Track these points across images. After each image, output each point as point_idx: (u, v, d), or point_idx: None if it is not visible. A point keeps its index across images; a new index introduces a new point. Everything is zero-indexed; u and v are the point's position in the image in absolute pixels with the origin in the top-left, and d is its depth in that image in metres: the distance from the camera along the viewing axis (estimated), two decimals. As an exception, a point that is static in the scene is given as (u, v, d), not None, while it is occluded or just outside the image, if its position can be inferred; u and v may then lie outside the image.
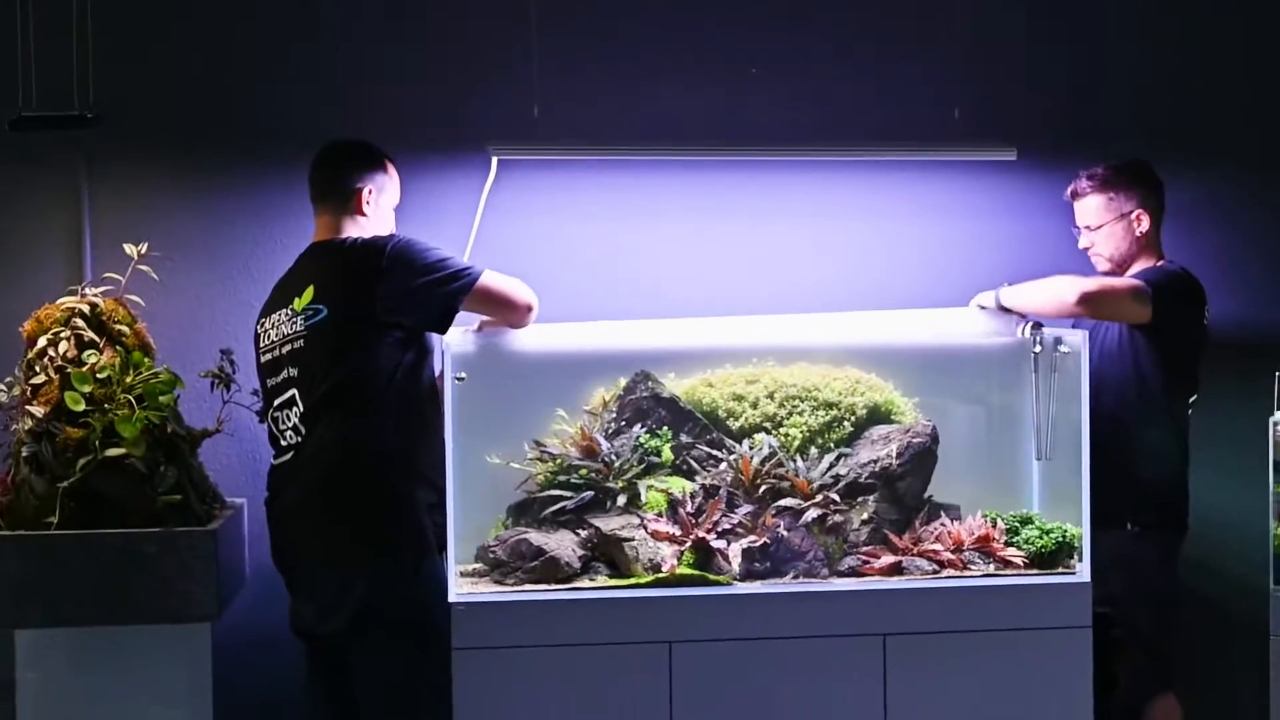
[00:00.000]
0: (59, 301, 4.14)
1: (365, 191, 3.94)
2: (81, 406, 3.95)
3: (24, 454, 3.97)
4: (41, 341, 4.06)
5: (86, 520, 3.92)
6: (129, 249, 4.18)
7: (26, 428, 3.98)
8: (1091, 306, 4.14)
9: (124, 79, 4.40)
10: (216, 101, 4.47)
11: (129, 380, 4.02)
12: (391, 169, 4.03)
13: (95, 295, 4.16)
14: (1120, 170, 4.35)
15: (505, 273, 4.40)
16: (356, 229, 3.93)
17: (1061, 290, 4.14)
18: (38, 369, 4.04)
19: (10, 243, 4.47)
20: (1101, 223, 4.36)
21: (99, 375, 4.00)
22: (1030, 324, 4.21)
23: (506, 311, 3.94)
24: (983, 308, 4.29)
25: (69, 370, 3.99)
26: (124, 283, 4.18)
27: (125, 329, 4.15)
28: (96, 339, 4.09)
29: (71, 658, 4.01)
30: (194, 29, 4.47)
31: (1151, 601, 4.27)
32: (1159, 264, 4.36)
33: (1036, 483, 4.32)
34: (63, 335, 4.07)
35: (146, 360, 4.09)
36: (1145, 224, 4.34)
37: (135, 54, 4.43)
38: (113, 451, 3.92)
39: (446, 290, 3.80)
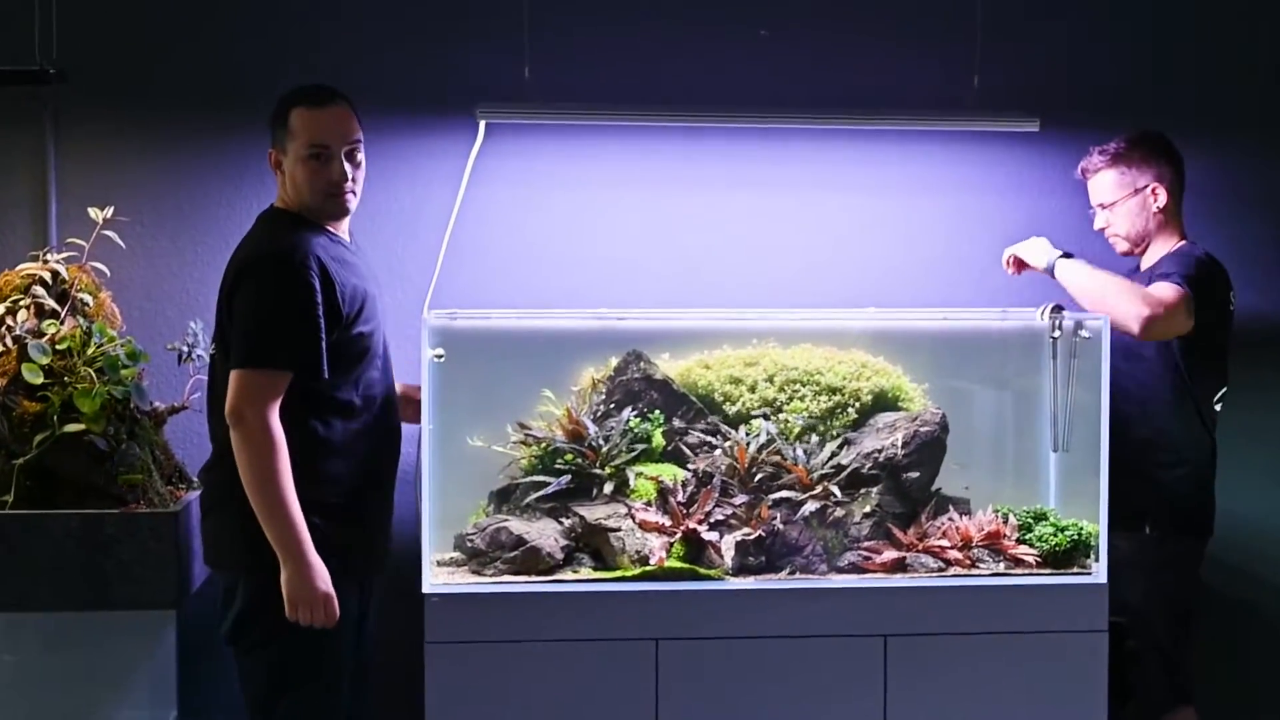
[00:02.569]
0: (19, 268, 4.11)
1: (269, 155, 3.70)
2: (40, 379, 3.91)
3: (-22, 429, 3.95)
4: (-1, 310, 4.03)
5: (43, 499, 3.90)
6: (94, 213, 4.13)
7: (-19, 401, 3.95)
8: (1153, 333, 4.03)
9: (93, 34, 4.35)
10: (191, 59, 4.40)
11: (90, 352, 3.98)
12: (300, 114, 3.61)
13: (58, 262, 4.12)
14: (1134, 143, 4.24)
15: (491, 244, 4.39)
16: (284, 195, 3.69)
17: (1125, 310, 3.99)
18: (-5, 339, 4.00)
19: (-27, 204, 4.42)
20: (1115, 199, 4.24)
21: (58, 346, 3.96)
22: (1051, 306, 4.11)
23: (235, 400, 3.50)
24: (1020, 261, 4.18)
25: (27, 341, 3.95)
26: (87, 249, 4.14)
27: (88, 298, 4.11)
28: (58, 308, 4.06)
29: (34, 642, 3.93)
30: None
31: (1170, 611, 4.18)
32: (1180, 247, 4.24)
33: (1053, 477, 4.25)
34: (22, 304, 4.05)
35: (110, 331, 4.05)
36: (1162, 198, 4.22)
37: (105, 8, 4.37)
38: (71, 427, 3.89)
39: (238, 351, 3.50)
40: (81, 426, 3.89)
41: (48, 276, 4.07)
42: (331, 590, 3.51)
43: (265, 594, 3.52)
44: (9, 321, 4.01)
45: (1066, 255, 4.17)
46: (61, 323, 4.02)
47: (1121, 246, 4.30)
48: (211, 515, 3.67)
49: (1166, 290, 4.04)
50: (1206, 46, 4.71)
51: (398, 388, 3.85)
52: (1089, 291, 4.10)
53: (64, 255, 4.16)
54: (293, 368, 3.51)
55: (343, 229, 3.72)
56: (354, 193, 3.67)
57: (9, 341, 3.98)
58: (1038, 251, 4.21)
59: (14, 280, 4.08)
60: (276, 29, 4.42)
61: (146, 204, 4.41)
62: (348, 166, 3.63)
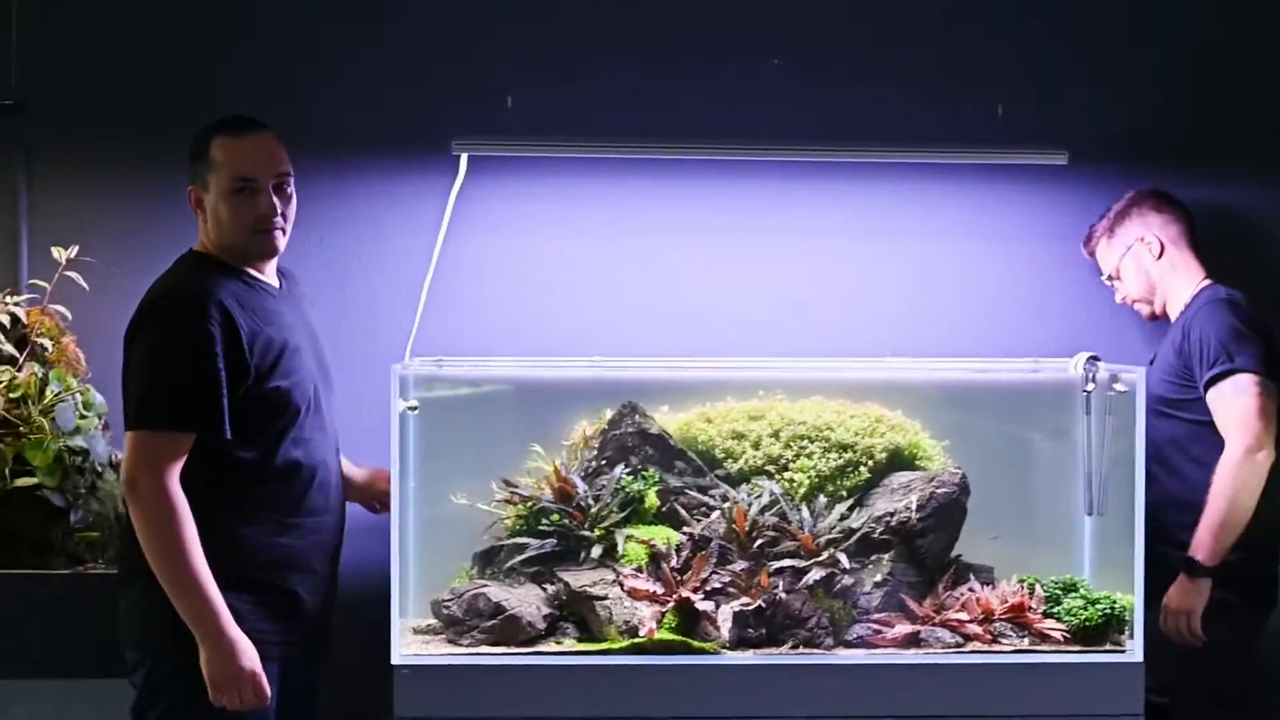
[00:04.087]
0: (-24, 311, 3.96)
1: (189, 194, 3.45)
2: None
3: (-72, 482, 3.82)
4: (-46, 355, 3.90)
5: None
6: (56, 253, 3.99)
7: (-68, 452, 3.81)
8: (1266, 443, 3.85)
9: (66, 67, 4.21)
10: (166, 96, 4.23)
11: (46, 401, 3.81)
12: (221, 145, 3.38)
13: (16, 305, 3.96)
14: (1123, 207, 4.17)
15: (474, 290, 4.24)
16: (205, 237, 3.46)
17: (1246, 483, 3.81)
18: (-52, 386, 3.86)
19: (-61, 244, 4.30)
20: (1117, 265, 4.17)
21: (12, 395, 3.80)
22: (1085, 357, 3.93)
23: (129, 466, 3.24)
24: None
25: (-21, 388, 3.82)
26: (49, 290, 3.98)
27: (48, 343, 3.96)
28: (16, 354, 3.91)
29: None
30: (143, 16, 4.25)
31: (1222, 692, 3.96)
32: (1205, 295, 4.04)
33: (1088, 543, 4.04)
34: (-23, 349, 3.91)
35: (69, 379, 3.87)
36: (1155, 247, 4.11)
37: (79, 41, 4.22)
38: (23, 481, 3.75)
39: (130, 410, 3.28)
40: (34, 481, 3.74)
41: (5, 320, 3.91)
42: (258, 667, 3.26)
43: (161, 685, 3.31)
44: (-38, 368, 3.86)
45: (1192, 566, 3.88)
46: (19, 369, 3.85)
47: (1144, 310, 4.21)
48: (120, 587, 3.43)
49: (1247, 403, 3.84)
50: (1242, 77, 4.45)
51: (345, 466, 3.66)
52: (1232, 522, 3.83)
53: (26, 297, 4.01)
54: (191, 428, 3.26)
55: (268, 272, 3.48)
56: (283, 230, 3.43)
57: (-39, 389, 3.82)
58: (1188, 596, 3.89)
59: (-29, 324, 3.93)
60: (252, 64, 4.24)
61: (121, 243, 4.22)
62: (276, 201, 3.39)
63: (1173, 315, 4.11)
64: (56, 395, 3.81)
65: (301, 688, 3.47)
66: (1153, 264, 4.11)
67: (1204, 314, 3.98)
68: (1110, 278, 4.18)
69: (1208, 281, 4.09)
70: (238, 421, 3.29)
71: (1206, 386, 3.89)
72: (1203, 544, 3.82)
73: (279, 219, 3.40)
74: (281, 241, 3.44)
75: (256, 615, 3.32)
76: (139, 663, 3.34)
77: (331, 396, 3.57)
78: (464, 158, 4.06)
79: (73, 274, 3.98)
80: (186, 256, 3.47)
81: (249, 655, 3.24)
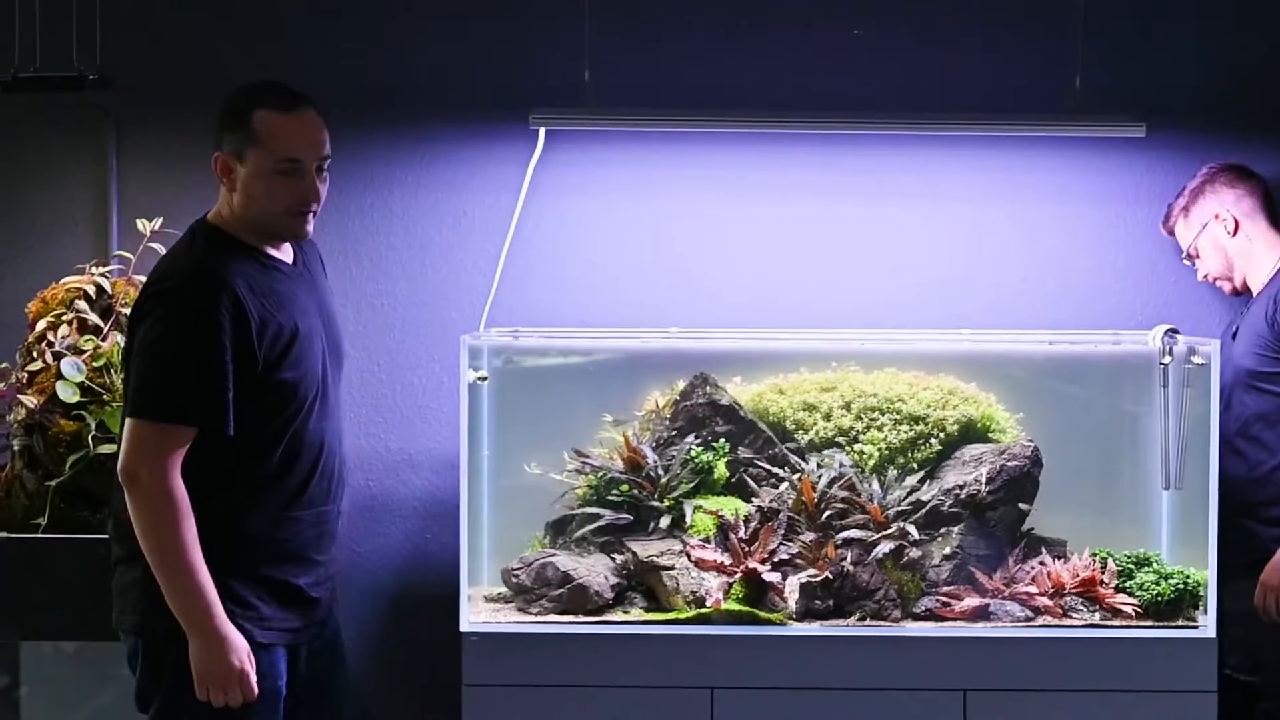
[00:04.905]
0: (63, 281, 4.04)
1: (215, 160, 3.19)
2: (75, 398, 3.84)
3: (16, 447, 3.89)
4: (41, 325, 3.97)
5: (79, 523, 3.81)
6: (142, 225, 4.04)
7: (19, 419, 3.89)
8: None
9: (153, 41, 4.26)
10: (249, 66, 4.20)
11: (129, 370, 3.88)
12: (267, 119, 3.15)
13: (102, 275, 4.03)
14: (1196, 186, 4.07)
15: (551, 261, 4.21)
16: (226, 208, 3.22)
17: None
18: (35, 354, 3.95)
19: (35, 214, 4.34)
20: (1194, 243, 4.08)
21: (96, 363, 3.89)
22: (1165, 329, 3.89)
23: (129, 456, 3.10)
24: None
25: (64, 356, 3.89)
26: (133, 262, 4.05)
27: (132, 313, 4.01)
28: (101, 323, 3.98)
29: (63, 674, 3.90)
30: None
31: None
32: None
33: (1165, 517, 3.99)
34: (65, 318, 3.97)
35: (150, 348, 3.93)
36: (1230, 223, 4.01)
37: (164, 14, 4.28)
38: (106, 448, 3.80)
39: (133, 398, 3.11)
40: (116, 448, 3.78)
41: (91, 290, 3.99)
42: (246, 665, 3.09)
43: (160, 665, 3.15)
44: (49, 336, 3.94)
45: None
46: (103, 339, 3.93)
47: (1226, 287, 4.12)
48: (118, 566, 3.23)
49: None
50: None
51: None
52: None
53: (111, 268, 4.09)
54: (195, 422, 3.08)
55: (283, 249, 3.28)
56: (315, 214, 3.26)
57: (49, 357, 3.90)
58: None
59: (59, 294, 4.01)
60: (335, 34, 4.26)
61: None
62: (317, 184, 3.21)
63: (1255, 289, 4.02)
64: (138, 364, 3.90)
65: (317, 678, 3.33)
66: (1229, 240, 4.02)
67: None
68: (1189, 256, 4.10)
69: None
70: (241, 413, 3.11)
71: None
72: None
73: (315, 204, 3.23)
74: (312, 226, 3.25)
75: (262, 602, 3.17)
76: (136, 651, 3.18)
77: (340, 377, 3.39)
78: (542, 131, 4.04)
79: (156, 245, 4.01)
80: (200, 229, 3.25)
81: (237, 653, 3.08)
